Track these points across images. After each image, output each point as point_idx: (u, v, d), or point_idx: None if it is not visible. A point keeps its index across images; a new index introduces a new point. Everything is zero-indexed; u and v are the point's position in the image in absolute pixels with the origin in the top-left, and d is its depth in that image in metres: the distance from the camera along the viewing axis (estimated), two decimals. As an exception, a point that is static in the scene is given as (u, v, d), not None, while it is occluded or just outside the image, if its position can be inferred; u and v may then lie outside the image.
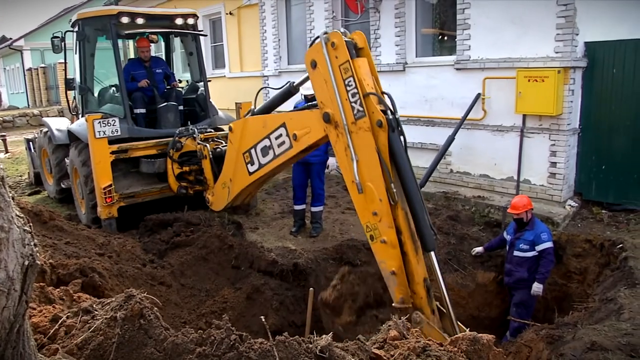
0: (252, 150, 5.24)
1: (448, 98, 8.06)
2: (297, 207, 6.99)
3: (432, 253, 3.90)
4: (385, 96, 4.05)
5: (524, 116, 7.16)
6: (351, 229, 7.05)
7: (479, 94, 7.55)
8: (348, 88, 3.95)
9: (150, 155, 6.75)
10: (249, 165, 5.36)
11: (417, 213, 3.84)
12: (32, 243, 1.66)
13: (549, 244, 5.50)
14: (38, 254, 1.67)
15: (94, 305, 2.71)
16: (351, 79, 3.92)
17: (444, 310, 4.06)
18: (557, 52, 6.71)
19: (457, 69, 7.83)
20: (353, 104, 3.94)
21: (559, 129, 6.91)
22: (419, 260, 3.88)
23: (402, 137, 3.95)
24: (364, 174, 3.93)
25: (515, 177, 7.36)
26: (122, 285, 4.98)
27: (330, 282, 5.82)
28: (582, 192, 7.29)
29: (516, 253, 5.64)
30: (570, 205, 7.09)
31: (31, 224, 1.66)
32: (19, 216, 1.63)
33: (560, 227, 6.58)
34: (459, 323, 4.09)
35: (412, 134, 8.69)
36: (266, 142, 5.03)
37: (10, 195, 1.57)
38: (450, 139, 7.59)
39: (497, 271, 6.14)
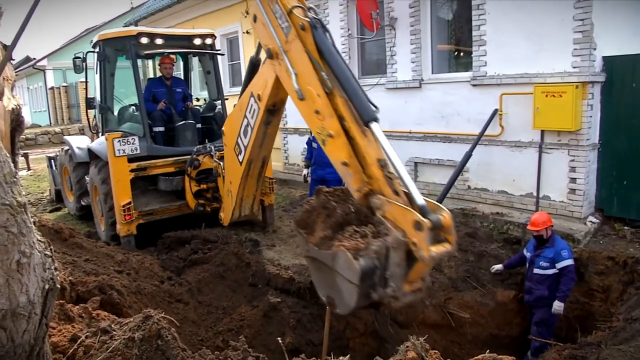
0: (238, 139, 5.40)
1: (465, 114, 8.02)
2: None
3: (374, 125, 3.61)
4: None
5: (542, 132, 7.09)
6: (368, 246, 6.99)
7: (496, 110, 7.51)
8: (276, 15, 4.24)
9: (169, 173, 6.84)
10: (239, 156, 5.48)
11: (351, 95, 3.75)
12: (52, 267, 1.69)
13: (569, 262, 5.40)
14: (58, 277, 1.69)
15: (112, 325, 2.73)
16: (276, 5, 4.21)
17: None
18: (574, 67, 6.66)
19: (474, 85, 7.81)
20: (282, 26, 4.20)
21: (578, 145, 6.82)
22: (369, 142, 3.66)
23: (327, 34, 4.05)
24: (303, 82, 4.07)
25: (535, 193, 7.27)
26: (140, 303, 5.01)
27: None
28: (604, 209, 7.16)
29: (536, 270, 5.54)
30: (591, 221, 6.97)
31: (52, 247, 1.69)
32: (40, 241, 1.66)
33: (581, 244, 6.46)
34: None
35: (428, 151, 8.67)
36: (244, 122, 5.25)
37: (32, 220, 1.60)
38: (468, 155, 7.54)
39: (517, 289, 6.04)
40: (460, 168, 7.66)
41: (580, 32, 6.52)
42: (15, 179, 1.61)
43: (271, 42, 4.38)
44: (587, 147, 6.80)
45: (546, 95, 6.80)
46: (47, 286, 1.65)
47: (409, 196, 3.29)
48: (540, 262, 5.50)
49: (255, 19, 4.64)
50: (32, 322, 1.61)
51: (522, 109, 7.22)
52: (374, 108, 3.66)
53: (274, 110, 5.16)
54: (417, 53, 8.62)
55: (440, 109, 8.39)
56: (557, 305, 5.34)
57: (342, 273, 3.24)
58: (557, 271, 5.41)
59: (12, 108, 1.94)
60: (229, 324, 5.41)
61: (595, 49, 6.58)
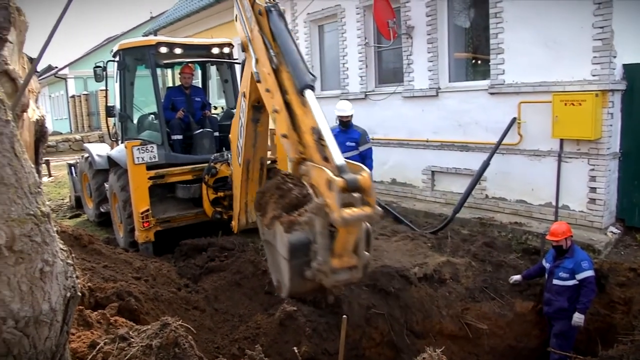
0: (238, 142, 5.55)
1: (482, 123, 7.97)
2: None
3: (308, 92, 3.58)
4: None
5: (561, 141, 7.01)
6: (385, 255, 6.96)
7: (514, 119, 7.45)
8: (245, 8, 4.46)
9: (186, 180, 6.90)
10: (238, 159, 5.61)
11: (291, 66, 3.77)
12: (74, 275, 1.72)
13: (589, 273, 5.30)
14: (79, 285, 1.72)
15: (130, 332, 2.76)
16: (245, 0, 4.44)
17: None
18: (594, 75, 6.58)
19: (491, 94, 7.76)
20: (248, 16, 4.40)
21: (598, 154, 6.73)
22: (306, 111, 3.65)
23: (282, 18, 4.19)
24: (260, 65, 4.23)
25: (554, 203, 7.18)
26: (158, 310, 5.05)
27: (363, 310, 5.78)
28: (625, 219, 7.04)
29: (555, 282, 5.46)
30: (612, 232, 6.85)
31: (73, 256, 1.72)
32: (62, 249, 1.69)
33: (601, 255, 6.36)
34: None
35: (445, 160, 8.62)
36: (240, 123, 5.44)
37: (55, 229, 1.63)
38: (485, 164, 7.48)
39: (536, 300, 5.95)
40: (478, 177, 7.60)
41: (600, 39, 6.45)
42: (39, 190, 1.65)
43: (242, 34, 4.60)
44: (607, 156, 6.70)
45: (565, 104, 6.73)
46: (68, 294, 1.68)
47: (329, 158, 3.13)
48: (560, 273, 5.42)
49: (236, 18, 4.87)
50: (54, 329, 1.63)
51: (541, 118, 7.15)
52: (311, 77, 3.70)
53: (259, 106, 5.21)
54: (434, 61, 8.61)
55: (458, 117, 8.34)
56: (577, 317, 5.25)
57: (279, 250, 3.11)
58: (577, 282, 5.32)
59: (37, 119, 1.99)
60: (245, 332, 5.42)
61: (615, 57, 6.50)
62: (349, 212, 2.68)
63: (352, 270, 2.93)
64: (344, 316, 4.97)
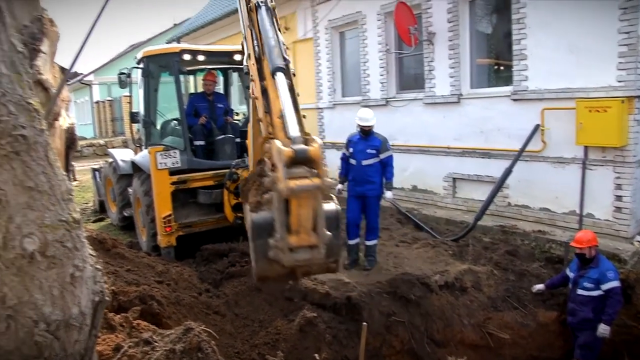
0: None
1: (505, 129, 7.89)
2: (351, 242, 6.90)
3: (278, 75, 3.56)
4: None
5: (586, 148, 6.90)
6: (405, 262, 6.94)
7: (537, 125, 7.36)
8: (240, 9, 4.73)
9: (208, 186, 6.97)
10: (250, 162, 5.69)
11: (267, 51, 3.79)
12: (102, 280, 1.76)
13: (615, 283, 5.20)
14: (106, 290, 1.76)
15: (154, 336, 2.80)
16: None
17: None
18: (619, 81, 6.47)
19: (514, 100, 7.68)
20: (243, 15, 4.62)
21: (624, 161, 6.60)
22: (277, 95, 3.66)
23: (269, 12, 4.32)
24: (250, 60, 4.37)
25: (578, 211, 7.06)
26: (179, 314, 5.11)
27: (384, 317, 5.75)
28: (652, 228, 6.89)
29: (580, 292, 5.36)
30: (638, 241, 6.70)
31: (101, 261, 1.76)
32: (91, 255, 1.73)
33: (628, 265, 6.22)
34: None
35: (467, 166, 8.55)
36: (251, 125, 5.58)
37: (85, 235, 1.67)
38: (508, 171, 7.40)
39: (560, 310, 5.85)
40: (500, 184, 7.52)
41: (625, 45, 6.34)
42: (70, 197, 1.70)
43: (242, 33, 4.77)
44: (633, 164, 6.57)
45: (590, 111, 6.63)
46: (97, 298, 1.72)
47: (285, 130, 3.09)
48: (584, 283, 5.32)
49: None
50: (83, 333, 1.67)
51: (565, 125, 7.05)
52: (282, 60, 3.72)
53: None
54: (455, 68, 8.56)
55: (480, 124, 8.28)
56: (603, 329, 5.14)
57: (248, 232, 3.03)
58: (602, 293, 5.22)
59: (67, 127, 2.04)
60: (265, 338, 5.43)
61: (642, 63, 6.39)
62: (295, 182, 2.62)
63: (312, 250, 2.81)
64: (364, 323, 4.97)
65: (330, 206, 3.02)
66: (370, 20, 10.16)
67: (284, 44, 4.15)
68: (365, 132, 6.60)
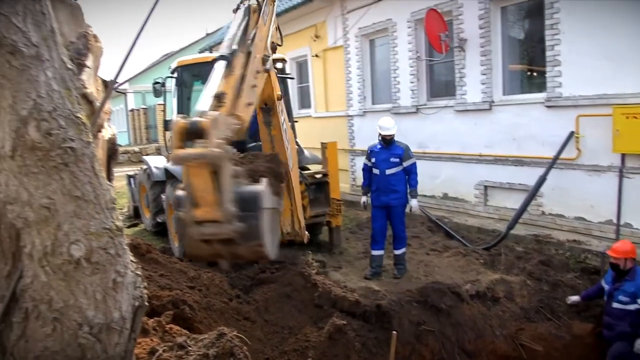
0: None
1: (538, 137, 7.76)
2: (375, 253, 6.85)
3: (218, 63, 3.58)
4: None
5: (623, 155, 6.72)
6: (436, 270, 6.88)
7: (572, 133, 7.22)
8: None
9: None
10: None
11: None
12: (142, 286, 1.83)
13: None
14: (146, 295, 1.83)
15: (188, 341, 2.86)
16: None
17: None
18: (659, 88, 6.30)
19: (548, 107, 7.55)
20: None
21: (664, 170, 6.41)
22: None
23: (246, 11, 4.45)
24: None
25: (615, 220, 6.87)
26: (210, 319, 5.19)
27: (414, 326, 5.72)
28: (694, 239, 6.65)
29: (615, 305, 5.21)
30: (679, 252, 6.48)
31: (140, 267, 1.84)
32: (132, 261, 1.80)
33: (668, 277, 6.01)
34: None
35: (499, 174, 8.44)
36: None
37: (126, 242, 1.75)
38: (542, 179, 7.27)
39: (596, 322, 5.70)
40: (534, 193, 7.39)
41: (665, 51, 6.19)
42: (114, 205, 1.78)
43: None
44: (674, 173, 6.38)
45: (627, 117, 6.46)
46: (137, 303, 1.79)
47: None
48: (620, 297, 5.16)
49: None
50: (123, 336, 1.74)
51: (601, 132, 6.89)
52: (227, 50, 3.73)
53: (267, 108, 5.49)
54: (487, 74, 8.48)
55: (512, 131, 8.16)
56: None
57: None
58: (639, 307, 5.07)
59: (109, 137, 2.13)
60: (295, 344, 5.46)
61: (682, 69, 6.21)
62: (182, 150, 2.61)
63: (218, 225, 2.74)
64: (394, 332, 4.96)
65: (253, 187, 3.02)
66: (401, 27, 10.16)
67: (269, 38, 4.54)
68: (387, 141, 6.58)
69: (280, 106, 5.81)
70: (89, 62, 2.09)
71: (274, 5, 5.12)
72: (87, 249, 1.63)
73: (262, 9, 4.63)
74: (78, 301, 1.64)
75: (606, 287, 5.39)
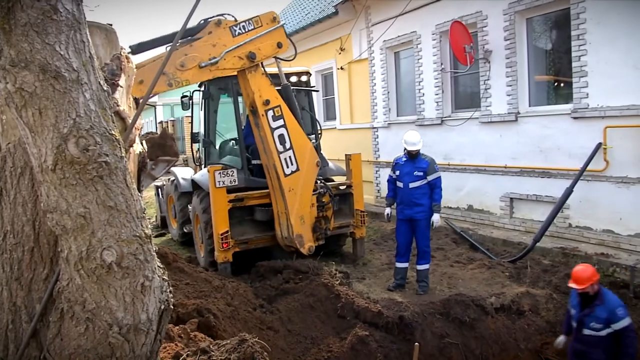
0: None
1: (565, 148, 7.68)
2: (399, 265, 6.85)
3: None
4: None
5: (653, 167, 6.61)
6: (460, 283, 6.84)
7: (599, 144, 7.12)
8: None
9: (264, 204, 7.17)
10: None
11: None
12: (168, 290, 1.94)
13: (627, 321, 4.65)
14: (172, 300, 1.93)
15: (211, 346, 2.95)
16: None
17: None
18: (690, 99, 6.19)
19: (575, 118, 7.48)
20: None
21: (696, 182, 6.27)
22: None
23: None
24: None
25: (645, 234, 6.74)
26: (234, 327, 5.27)
27: (437, 338, 5.69)
28: None
29: (587, 332, 4.79)
30: None
31: (167, 272, 1.95)
32: (159, 267, 1.91)
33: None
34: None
35: (525, 186, 8.37)
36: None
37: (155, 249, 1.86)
38: (569, 192, 7.18)
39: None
40: (561, 205, 7.30)
41: (695, 61, 6.08)
42: (143, 215, 1.90)
43: None
44: None
45: (657, 129, 6.36)
46: (162, 306, 1.89)
47: None
48: (592, 323, 4.75)
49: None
50: (150, 337, 1.84)
51: (630, 143, 6.79)
52: None
53: (253, 110, 6.62)
54: (513, 85, 8.44)
55: (538, 142, 8.10)
56: None
57: None
58: (612, 331, 4.68)
59: (140, 152, 2.27)
60: (317, 355, 5.50)
61: None
62: None
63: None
64: (416, 344, 4.95)
65: None
66: (425, 39, 10.20)
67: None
68: (412, 155, 6.59)
69: (276, 111, 6.61)
70: (122, 81, 2.24)
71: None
72: (118, 255, 1.75)
73: None
74: (109, 303, 1.75)
75: (573, 311, 4.99)
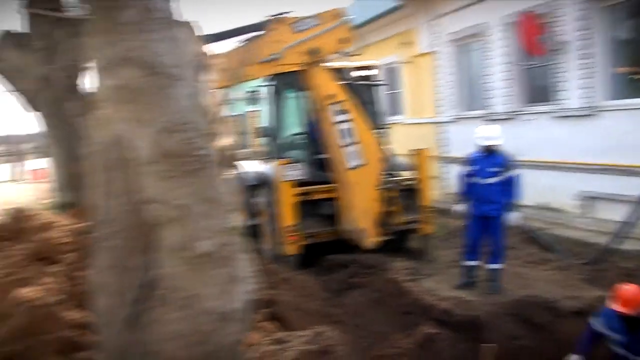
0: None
1: (647, 144, 7.21)
2: (469, 263, 6.67)
3: None
4: None
5: None
6: (532, 284, 6.59)
7: (688, 140, 6.64)
8: None
9: (331, 198, 7.21)
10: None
11: None
12: (253, 281, 2.00)
13: None
14: (257, 291, 2.00)
15: (286, 337, 3.00)
16: None
17: None
18: None
19: (659, 112, 7.01)
20: None
21: None
22: None
23: None
24: None
25: None
26: (301, 320, 5.33)
27: (507, 340, 5.51)
28: None
29: None
30: None
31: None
32: (246, 258, 1.98)
33: None
34: None
35: (603, 185, 7.94)
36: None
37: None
38: (652, 190, 6.75)
39: None
40: (643, 205, 6.87)
41: None
42: (235, 207, 1.98)
43: None
44: None
45: None
46: (249, 296, 1.96)
47: None
48: None
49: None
50: (239, 326, 1.91)
51: None
52: None
53: (317, 104, 6.91)
54: (589, 78, 8.01)
55: (617, 138, 7.64)
56: None
57: None
58: None
59: (226, 145, 2.35)
60: (383, 350, 5.47)
61: None
62: None
63: None
64: (491, 345, 4.81)
65: None
66: (494, 31, 9.88)
67: None
68: (489, 150, 6.40)
69: (341, 105, 6.66)
70: (206, 77, 2.31)
71: None
72: (214, 245, 1.83)
73: None
74: (204, 291, 1.83)
75: (615, 336, 4.29)
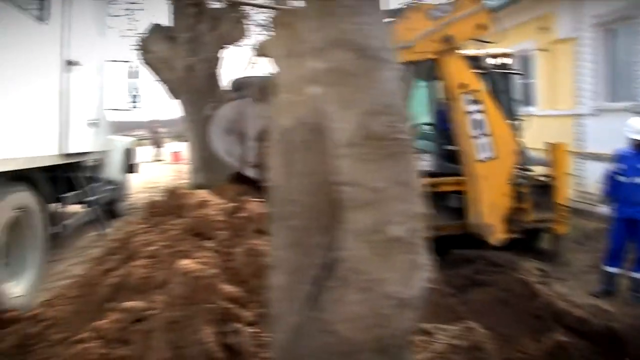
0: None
1: None
2: (610, 269, 6.20)
3: None
4: None
5: None
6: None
7: None
8: None
9: (459, 190, 7.01)
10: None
11: None
12: (428, 269, 2.00)
13: None
14: (434, 278, 2.00)
15: (433, 330, 2.97)
16: None
17: None
18: None
19: None
20: None
21: None
22: None
23: None
24: None
25: None
26: (426, 313, 5.25)
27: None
28: None
29: None
30: None
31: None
32: (425, 247, 1.99)
33: None
34: None
35: None
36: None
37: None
38: None
39: None
40: None
41: None
42: (423, 192, 1.98)
43: None
44: None
45: None
46: (426, 284, 1.96)
47: None
48: None
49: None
50: (414, 313, 1.93)
51: None
52: None
53: (449, 93, 6.80)
54: None
55: None
56: None
57: None
58: None
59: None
60: (510, 354, 5.23)
61: None
62: None
63: None
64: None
65: None
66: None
67: None
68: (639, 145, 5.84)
69: (474, 95, 6.45)
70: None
71: None
72: (406, 231, 1.85)
73: None
74: (388, 276, 1.85)
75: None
